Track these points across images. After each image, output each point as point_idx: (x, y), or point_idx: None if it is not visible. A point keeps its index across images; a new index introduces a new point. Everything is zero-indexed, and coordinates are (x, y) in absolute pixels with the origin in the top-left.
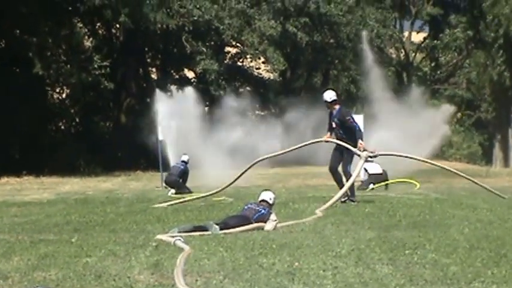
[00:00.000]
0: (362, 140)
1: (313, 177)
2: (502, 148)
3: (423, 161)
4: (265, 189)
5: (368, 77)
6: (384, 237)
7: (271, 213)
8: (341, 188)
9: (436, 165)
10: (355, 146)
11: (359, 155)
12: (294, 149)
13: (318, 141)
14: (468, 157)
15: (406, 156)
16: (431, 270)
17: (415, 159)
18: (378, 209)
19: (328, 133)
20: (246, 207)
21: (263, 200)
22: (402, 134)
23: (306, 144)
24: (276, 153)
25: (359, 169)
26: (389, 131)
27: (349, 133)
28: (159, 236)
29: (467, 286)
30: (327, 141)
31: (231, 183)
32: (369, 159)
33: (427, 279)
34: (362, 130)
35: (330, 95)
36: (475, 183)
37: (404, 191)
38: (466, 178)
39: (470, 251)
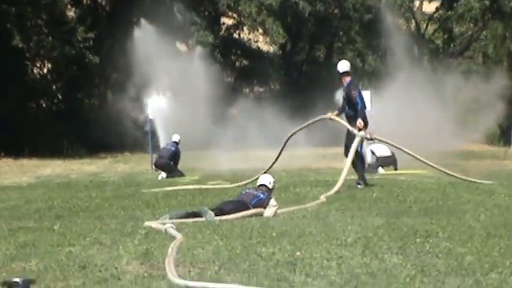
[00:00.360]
0: (364, 118)
1: (315, 159)
2: None
3: (415, 157)
4: (264, 173)
5: (391, 45)
6: (393, 224)
7: (270, 198)
8: (358, 172)
9: (425, 162)
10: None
11: (355, 135)
12: (304, 127)
13: (321, 119)
14: (485, 137)
15: (400, 149)
16: (445, 260)
17: (408, 153)
18: (387, 194)
19: (336, 111)
20: (243, 192)
21: (262, 185)
22: (442, 114)
23: (312, 122)
24: (298, 129)
25: (354, 149)
26: (423, 114)
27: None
28: (148, 223)
29: (483, 277)
30: (330, 119)
31: (273, 164)
32: (369, 141)
33: (440, 269)
34: (367, 108)
35: (342, 66)
36: (454, 176)
37: (415, 173)
38: (443, 171)
39: (487, 239)
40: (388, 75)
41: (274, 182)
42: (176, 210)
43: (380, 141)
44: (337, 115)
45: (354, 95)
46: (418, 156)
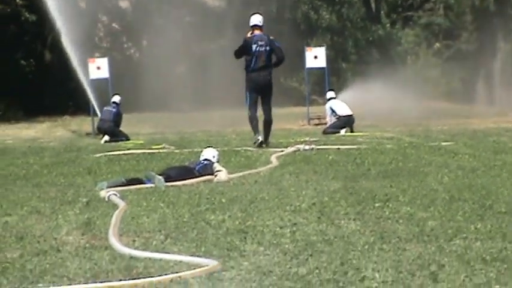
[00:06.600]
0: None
1: None
2: (486, 84)
3: None
4: (208, 146)
5: None
6: (351, 188)
7: (213, 163)
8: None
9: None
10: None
11: None
12: None
13: None
14: (447, 95)
15: None
16: (406, 226)
17: None
18: (344, 156)
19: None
20: (186, 163)
21: (206, 159)
22: None
23: None
24: None
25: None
26: None
27: None
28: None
29: (447, 243)
30: None
31: None
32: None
33: (400, 236)
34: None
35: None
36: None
37: (374, 134)
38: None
39: (451, 203)
40: (344, 30)
41: (218, 155)
42: (116, 178)
43: None
44: None
45: None
46: None
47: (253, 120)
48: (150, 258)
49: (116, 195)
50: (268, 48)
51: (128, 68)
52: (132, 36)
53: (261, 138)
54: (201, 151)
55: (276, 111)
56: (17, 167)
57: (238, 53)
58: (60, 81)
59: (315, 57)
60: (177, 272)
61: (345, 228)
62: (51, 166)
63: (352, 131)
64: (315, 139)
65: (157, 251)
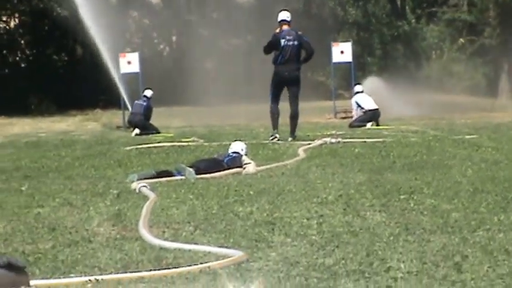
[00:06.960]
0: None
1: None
2: (509, 78)
3: None
4: (236, 140)
5: None
6: (376, 181)
7: (241, 156)
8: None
9: None
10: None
11: None
12: None
13: None
14: (470, 89)
15: None
16: (430, 218)
17: None
18: (369, 149)
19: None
20: (215, 155)
21: (234, 152)
22: None
23: None
24: None
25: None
26: None
27: None
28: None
29: (470, 235)
30: None
31: None
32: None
33: (425, 227)
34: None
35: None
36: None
37: (399, 128)
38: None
39: (474, 195)
40: (370, 25)
41: (246, 148)
42: (146, 170)
43: None
44: None
45: None
46: None
47: (274, 114)
48: (179, 249)
49: (146, 187)
50: (296, 42)
51: (158, 63)
52: (162, 31)
53: (278, 136)
54: (230, 144)
55: (303, 105)
56: (49, 160)
57: (267, 49)
58: (91, 75)
59: (341, 52)
60: (206, 263)
61: (370, 219)
62: (82, 159)
63: (377, 125)
64: (341, 132)
65: (186, 242)
